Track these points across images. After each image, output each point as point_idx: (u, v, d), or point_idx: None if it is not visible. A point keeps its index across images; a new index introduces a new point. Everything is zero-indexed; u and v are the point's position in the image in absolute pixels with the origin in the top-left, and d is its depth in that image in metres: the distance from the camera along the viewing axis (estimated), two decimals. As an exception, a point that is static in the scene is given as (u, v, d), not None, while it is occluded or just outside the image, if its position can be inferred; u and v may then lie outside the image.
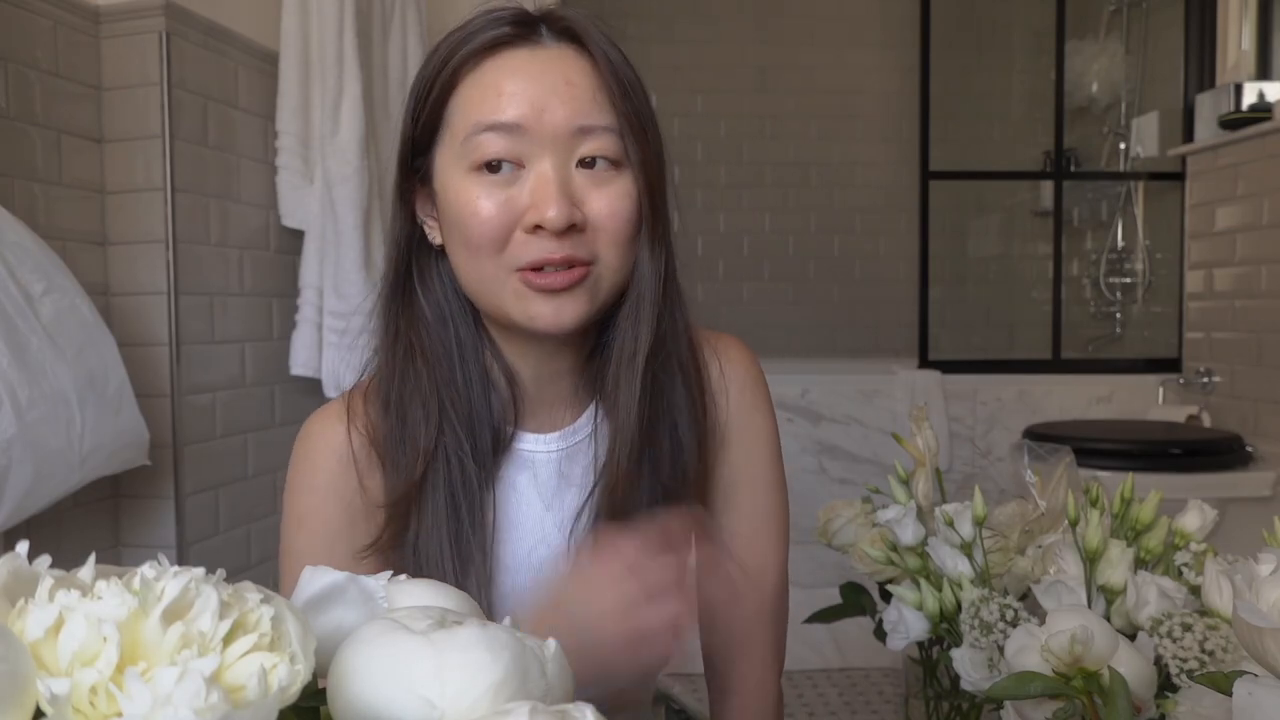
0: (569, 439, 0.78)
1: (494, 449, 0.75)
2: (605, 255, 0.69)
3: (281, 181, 1.86)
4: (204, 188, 1.69)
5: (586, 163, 0.68)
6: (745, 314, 3.56)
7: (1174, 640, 0.61)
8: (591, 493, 0.75)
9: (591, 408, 0.79)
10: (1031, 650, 0.59)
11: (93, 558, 0.32)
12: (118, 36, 1.58)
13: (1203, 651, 0.60)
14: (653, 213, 0.71)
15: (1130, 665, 0.59)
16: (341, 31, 1.84)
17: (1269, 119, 2.48)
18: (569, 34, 0.69)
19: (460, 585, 0.69)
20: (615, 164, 0.69)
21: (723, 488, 0.83)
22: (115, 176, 1.60)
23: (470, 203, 0.67)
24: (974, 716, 0.83)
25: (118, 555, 1.60)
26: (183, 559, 1.62)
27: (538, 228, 0.66)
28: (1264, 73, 2.67)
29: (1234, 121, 2.59)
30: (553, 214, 0.65)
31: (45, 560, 0.31)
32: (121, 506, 1.61)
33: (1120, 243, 3.44)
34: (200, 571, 0.31)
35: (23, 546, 0.32)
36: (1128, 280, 3.43)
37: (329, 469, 0.75)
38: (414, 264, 0.75)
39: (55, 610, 0.29)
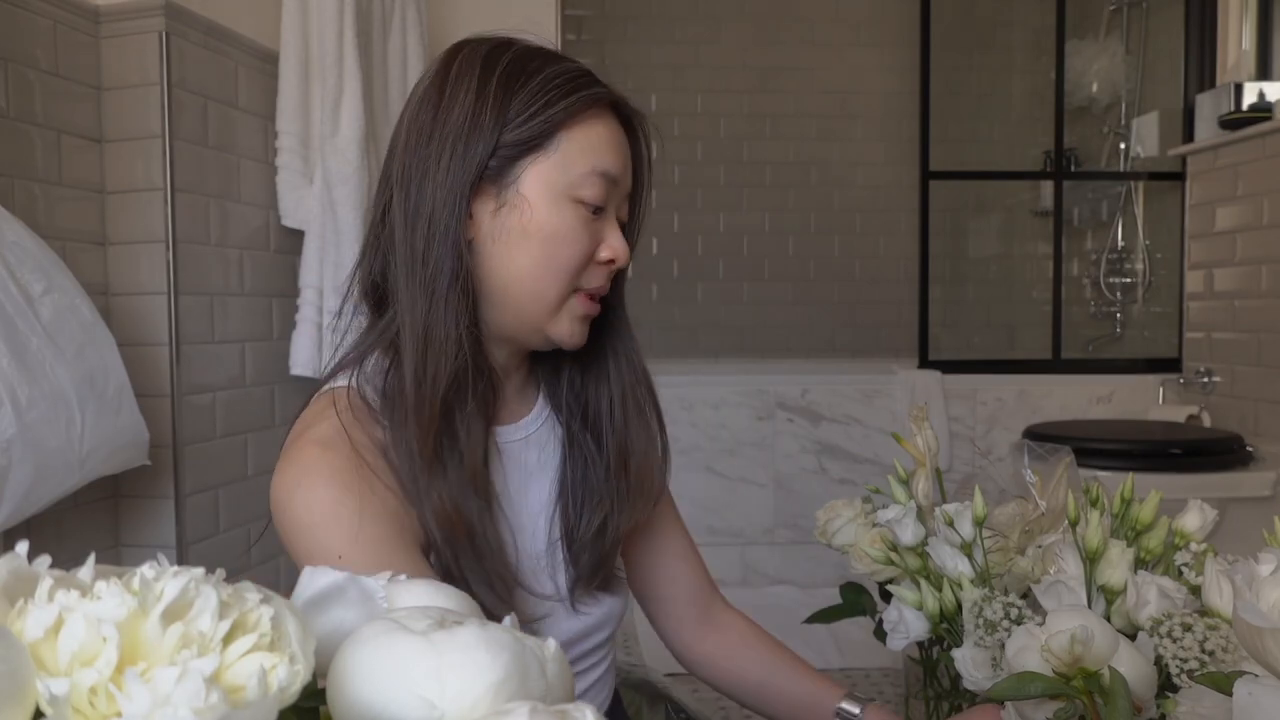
0: (526, 430, 0.85)
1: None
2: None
3: (281, 181, 1.86)
4: (204, 188, 1.69)
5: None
6: (745, 314, 3.56)
7: (1174, 640, 0.61)
8: (584, 496, 0.85)
9: (542, 401, 0.88)
10: (1032, 650, 0.59)
11: (92, 558, 0.32)
12: (118, 36, 1.58)
13: (1203, 651, 0.60)
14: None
15: (1131, 665, 0.58)
16: (341, 31, 1.84)
17: (1269, 119, 2.48)
18: (629, 120, 0.82)
19: (499, 564, 0.75)
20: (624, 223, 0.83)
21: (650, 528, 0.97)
22: (115, 176, 1.60)
23: (572, 230, 0.76)
24: (974, 716, 0.83)
25: (118, 555, 1.60)
26: (182, 559, 1.62)
27: (610, 263, 0.80)
28: (1264, 73, 2.67)
29: (1234, 121, 2.59)
30: (626, 257, 0.80)
31: (45, 560, 0.31)
32: (121, 506, 1.61)
33: (1120, 243, 3.43)
34: (200, 571, 0.31)
35: (23, 546, 0.32)
36: (1128, 280, 3.43)
37: (358, 486, 0.70)
38: (466, 254, 0.75)
39: (55, 610, 0.29)
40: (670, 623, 0.98)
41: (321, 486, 0.69)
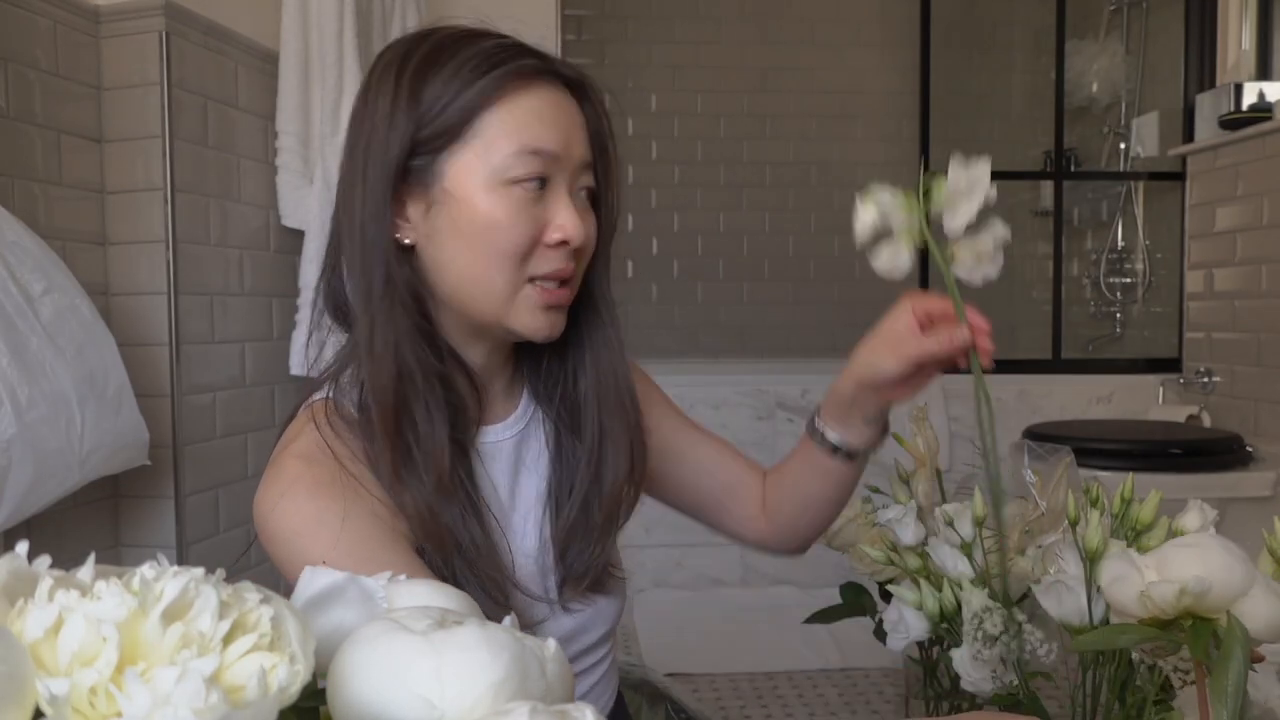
0: (514, 427, 0.83)
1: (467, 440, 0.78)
2: (579, 272, 0.77)
3: (281, 181, 1.86)
4: (204, 188, 1.69)
5: (576, 192, 0.76)
6: (745, 314, 3.56)
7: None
8: (578, 491, 0.82)
9: (526, 396, 0.85)
10: (1129, 582, 0.52)
11: (92, 558, 0.32)
12: (118, 36, 1.58)
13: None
14: (609, 246, 0.80)
15: (1263, 607, 0.50)
16: (341, 31, 1.84)
17: (1269, 119, 2.48)
18: (575, 84, 0.77)
19: (491, 567, 0.73)
20: (593, 197, 0.78)
21: (669, 445, 0.94)
22: (115, 176, 1.60)
23: (508, 215, 0.72)
24: (974, 716, 0.83)
25: (118, 555, 1.60)
26: (182, 559, 1.62)
27: (561, 244, 0.73)
28: (1264, 73, 2.66)
29: (1234, 121, 2.59)
30: (581, 235, 0.74)
31: (45, 560, 0.31)
32: (121, 506, 1.61)
33: (1120, 243, 3.43)
34: (200, 571, 0.31)
35: (23, 546, 0.32)
36: (1128, 280, 3.43)
37: (342, 496, 0.70)
38: (396, 263, 0.74)
39: (55, 610, 0.29)
40: (735, 524, 0.97)
41: (304, 498, 0.69)
